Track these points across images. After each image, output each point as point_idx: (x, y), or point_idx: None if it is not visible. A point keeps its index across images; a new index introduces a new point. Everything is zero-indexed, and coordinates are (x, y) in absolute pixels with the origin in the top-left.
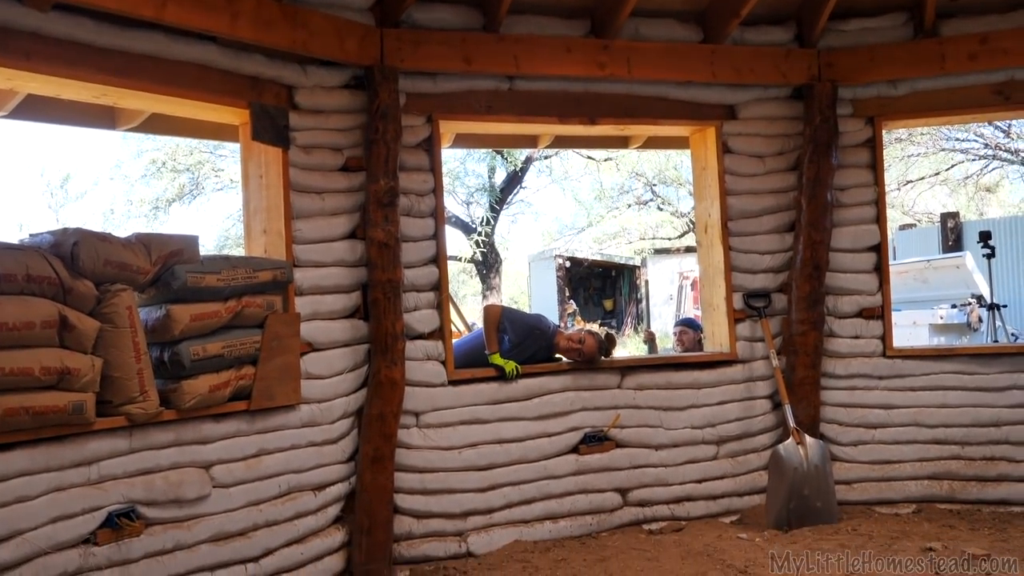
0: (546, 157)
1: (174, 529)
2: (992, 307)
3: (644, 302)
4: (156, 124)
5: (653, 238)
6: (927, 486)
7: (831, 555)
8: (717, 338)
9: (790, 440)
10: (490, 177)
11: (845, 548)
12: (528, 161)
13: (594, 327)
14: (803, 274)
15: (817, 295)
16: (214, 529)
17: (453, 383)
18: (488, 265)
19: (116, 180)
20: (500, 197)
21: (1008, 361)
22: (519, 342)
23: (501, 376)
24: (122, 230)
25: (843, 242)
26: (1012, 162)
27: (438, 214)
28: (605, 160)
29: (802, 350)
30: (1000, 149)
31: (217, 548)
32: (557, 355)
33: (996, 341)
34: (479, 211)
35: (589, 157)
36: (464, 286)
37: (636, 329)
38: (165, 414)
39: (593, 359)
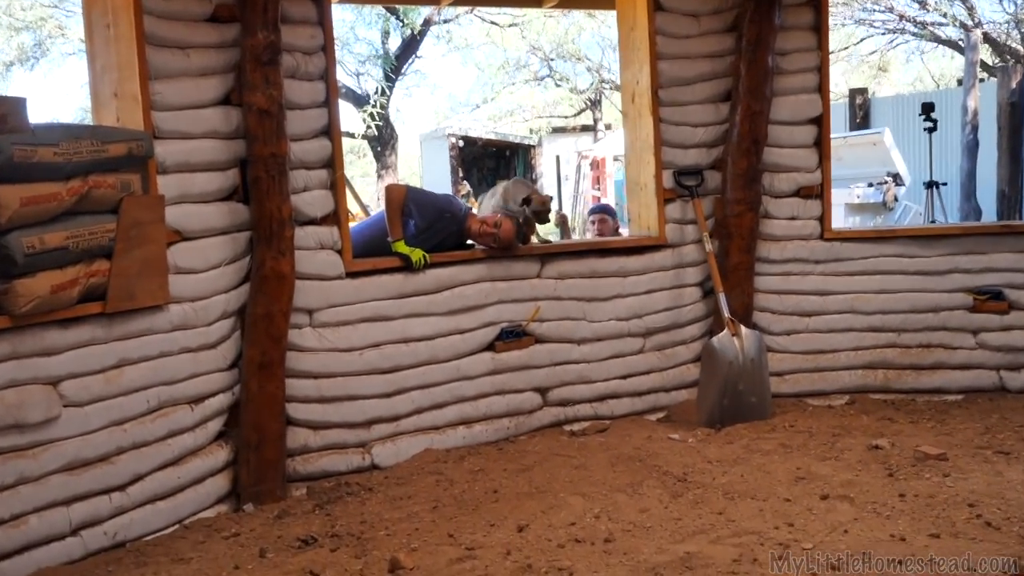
0: (446, 21)
1: (16, 459)
2: (931, 185)
3: (539, 182)
4: None
5: (550, 116)
6: (862, 376)
7: (773, 456)
8: (644, 220)
9: (725, 332)
10: (384, 43)
11: (787, 448)
12: (426, 25)
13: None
14: (740, 149)
15: (754, 172)
16: (68, 456)
17: (351, 275)
18: (383, 142)
19: None
20: (395, 65)
21: (950, 243)
22: (426, 227)
23: (407, 266)
24: None
25: (781, 114)
26: (921, 36)
27: (329, 77)
28: (510, 26)
29: (737, 233)
30: (910, 21)
31: (72, 478)
32: (469, 241)
33: (934, 222)
34: (371, 84)
35: (492, 23)
36: (352, 167)
37: None
38: None
39: (510, 245)
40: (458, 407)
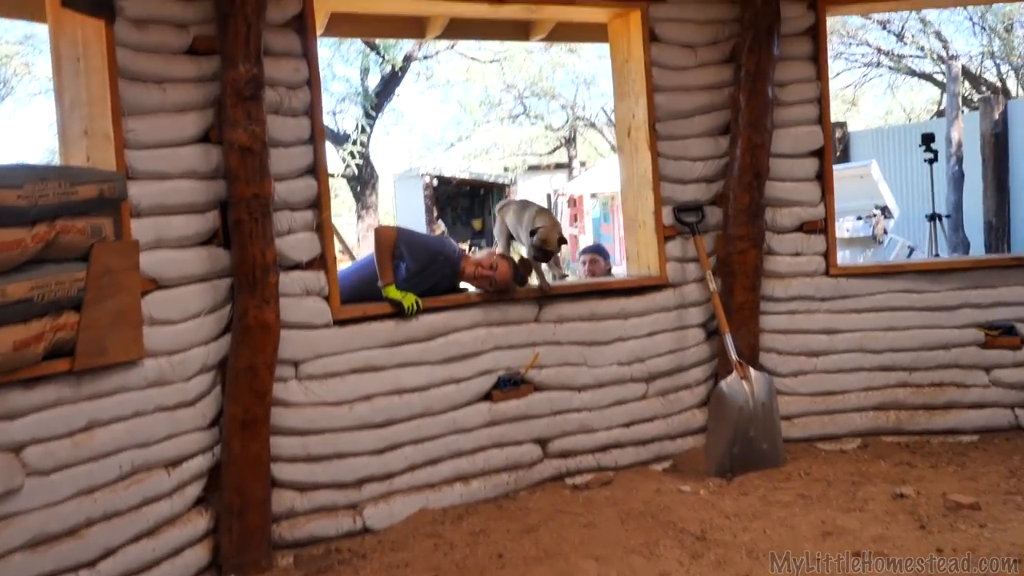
0: (426, 58)
1: None
2: (934, 218)
3: None
4: None
5: (526, 154)
6: (873, 418)
7: (794, 508)
8: (644, 259)
9: (733, 375)
10: (363, 79)
11: (806, 498)
12: (408, 60)
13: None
14: (742, 183)
15: (757, 207)
16: (31, 531)
17: (339, 323)
18: (363, 181)
19: None
20: (375, 103)
21: (959, 277)
22: (419, 270)
23: (398, 312)
24: None
25: (782, 146)
26: (896, 70)
27: (314, 113)
28: (490, 62)
29: (740, 271)
30: (886, 55)
31: (36, 556)
32: (463, 284)
33: (937, 255)
34: (348, 123)
35: (473, 59)
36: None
37: None
38: None
39: (507, 288)
40: (454, 462)
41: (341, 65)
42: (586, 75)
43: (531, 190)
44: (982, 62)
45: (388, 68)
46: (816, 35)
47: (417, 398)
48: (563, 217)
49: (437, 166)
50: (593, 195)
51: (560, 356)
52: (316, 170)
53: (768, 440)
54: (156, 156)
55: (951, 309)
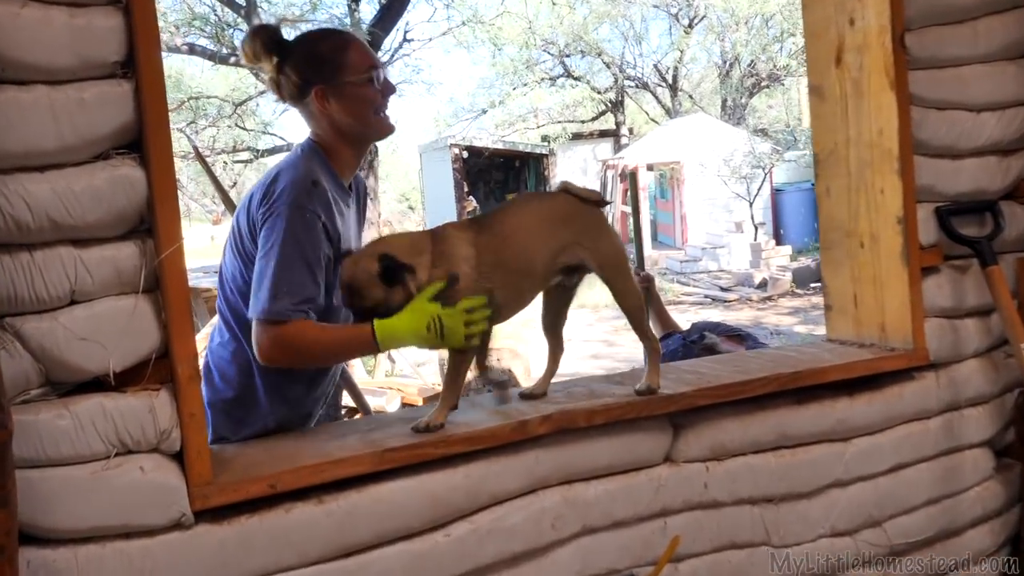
0: None
1: None
2: None
3: None
4: None
5: (567, 121)
6: None
7: None
8: (871, 314)
9: None
10: (352, 6)
11: None
12: None
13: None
14: None
15: None
16: None
17: (211, 517)
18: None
19: None
20: (369, 39)
21: None
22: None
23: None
24: None
25: None
26: None
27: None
28: None
29: None
30: None
31: None
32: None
33: None
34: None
35: None
36: None
37: None
38: None
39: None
40: None
41: None
42: (636, 28)
43: (574, 161)
44: None
45: None
46: None
47: None
48: (616, 194)
49: (467, 136)
50: (650, 167)
51: (720, 531)
52: (142, 141)
53: None
54: None
55: None
